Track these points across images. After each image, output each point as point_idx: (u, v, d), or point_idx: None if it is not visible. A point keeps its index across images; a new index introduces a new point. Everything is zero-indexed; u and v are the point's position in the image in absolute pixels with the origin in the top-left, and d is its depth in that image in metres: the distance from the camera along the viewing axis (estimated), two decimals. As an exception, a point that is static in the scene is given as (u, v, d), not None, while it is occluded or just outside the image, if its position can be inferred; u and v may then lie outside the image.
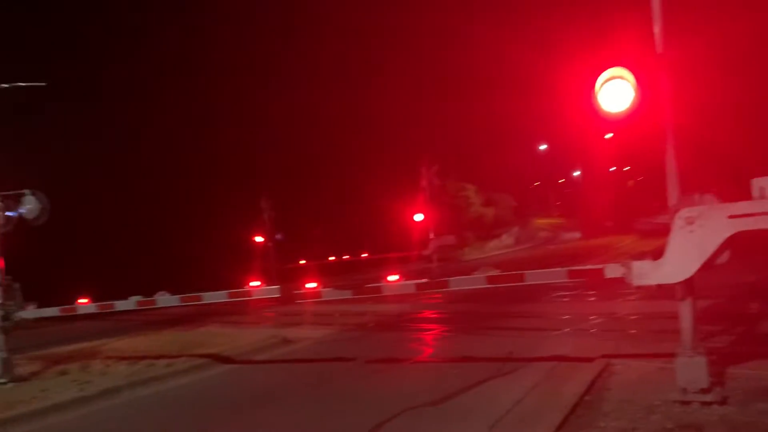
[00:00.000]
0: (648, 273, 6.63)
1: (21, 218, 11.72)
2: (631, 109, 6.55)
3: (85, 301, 11.84)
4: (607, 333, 12.08)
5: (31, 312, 11.75)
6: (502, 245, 59.02)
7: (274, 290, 10.52)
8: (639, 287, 6.89)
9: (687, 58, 6.89)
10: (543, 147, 75.95)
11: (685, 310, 6.99)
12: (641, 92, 6.52)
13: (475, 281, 8.51)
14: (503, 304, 17.38)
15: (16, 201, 11.73)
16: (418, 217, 28.94)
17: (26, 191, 11.71)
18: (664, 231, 6.59)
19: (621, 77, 6.60)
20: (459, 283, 8.89)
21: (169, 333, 17.32)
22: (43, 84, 12.07)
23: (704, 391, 6.67)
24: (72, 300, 11.98)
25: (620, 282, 7.21)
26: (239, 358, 12.73)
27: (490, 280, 8.39)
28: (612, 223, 67.53)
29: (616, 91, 6.62)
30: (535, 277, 8.26)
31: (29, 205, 11.71)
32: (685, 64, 6.90)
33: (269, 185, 32.42)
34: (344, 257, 36.56)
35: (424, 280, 9.77)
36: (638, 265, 6.71)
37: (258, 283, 11.08)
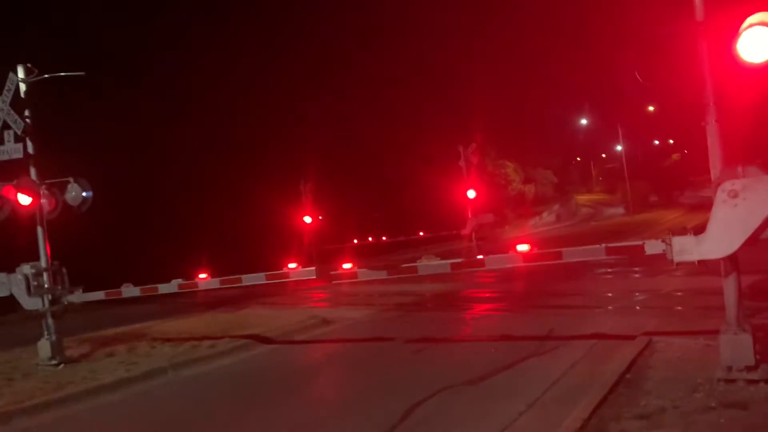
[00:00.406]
0: (689, 249, 6.42)
1: (66, 205, 12.03)
2: None
3: (129, 285, 12.11)
4: (651, 310, 11.87)
5: (77, 296, 12.09)
6: (542, 223, 58.44)
7: (310, 272, 10.61)
8: (680, 263, 6.69)
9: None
10: (584, 121, 74.54)
11: (730, 286, 6.78)
12: None
13: (511, 260, 8.41)
14: (545, 282, 17.21)
15: (60, 188, 12.05)
16: (458, 196, 28.71)
17: (70, 179, 12.01)
18: (711, 204, 6.37)
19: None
20: (494, 262, 8.81)
21: (212, 315, 17.66)
22: (82, 73, 12.31)
23: (750, 368, 6.47)
24: (116, 284, 12.28)
25: (664, 258, 7.03)
26: (279, 338, 12.92)
27: (526, 258, 8.27)
28: (657, 197, 66.27)
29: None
30: (572, 255, 8.11)
31: (73, 192, 12.01)
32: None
33: (310, 167, 32.59)
34: (382, 239, 36.58)
35: (458, 260, 9.69)
36: (679, 241, 6.51)
37: (294, 265, 11.15)
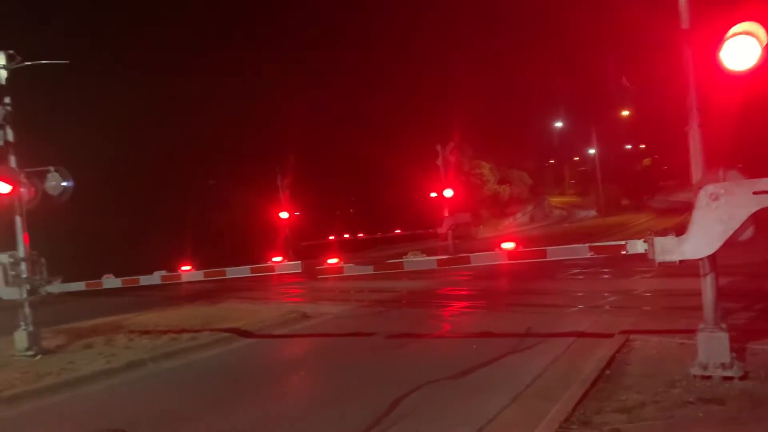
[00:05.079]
0: (671, 249, 6.63)
1: (45, 194, 11.89)
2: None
3: (110, 276, 12.01)
4: (624, 310, 12.12)
5: (56, 286, 11.96)
6: (516, 223, 59.05)
7: (295, 266, 10.64)
8: (660, 263, 6.88)
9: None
10: (559, 124, 75.50)
11: (708, 286, 7.00)
12: None
13: (496, 257, 8.55)
14: (519, 281, 17.47)
15: (40, 177, 11.90)
16: (434, 195, 28.94)
17: (50, 168, 11.87)
18: (681, 209, 6.60)
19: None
20: (480, 259, 8.94)
21: (191, 308, 17.57)
22: (66, 62, 12.17)
23: (725, 366, 6.70)
24: (96, 275, 12.17)
25: (634, 260, 7.20)
26: (259, 332, 12.93)
27: (511, 255, 8.42)
28: (628, 201, 67.44)
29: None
30: (556, 253, 8.29)
31: (53, 182, 11.87)
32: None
33: (288, 163, 32.54)
34: (359, 235, 36.61)
35: (444, 257, 9.81)
36: (661, 241, 6.71)
37: (280, 258, 11.16)
